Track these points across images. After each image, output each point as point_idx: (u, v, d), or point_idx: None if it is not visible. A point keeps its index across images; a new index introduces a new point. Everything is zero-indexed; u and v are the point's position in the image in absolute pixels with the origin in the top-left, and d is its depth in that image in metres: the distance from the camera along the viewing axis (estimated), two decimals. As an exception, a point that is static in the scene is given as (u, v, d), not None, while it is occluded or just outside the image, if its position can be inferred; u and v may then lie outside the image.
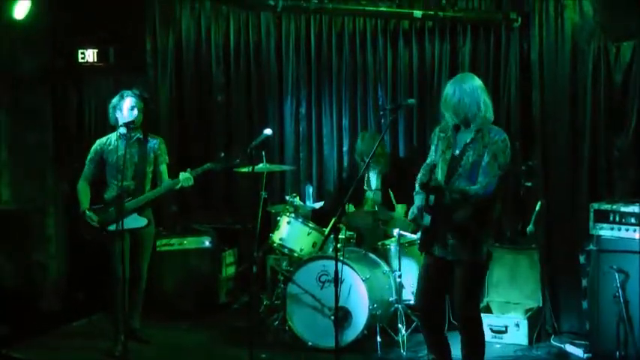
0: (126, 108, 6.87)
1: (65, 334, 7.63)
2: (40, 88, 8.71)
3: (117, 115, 6.91)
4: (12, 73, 8.54)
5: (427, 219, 5.49)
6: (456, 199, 5.36)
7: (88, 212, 6.88)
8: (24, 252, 8.54)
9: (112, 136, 6.99)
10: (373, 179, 7.87)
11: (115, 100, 6.95)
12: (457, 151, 5.52)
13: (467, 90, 5.48)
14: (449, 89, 5.54)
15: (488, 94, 5.57)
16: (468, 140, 5.49)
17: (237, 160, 7.05)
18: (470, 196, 5.35)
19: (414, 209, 5.62)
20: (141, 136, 6.98)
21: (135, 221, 6.85)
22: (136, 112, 6.89)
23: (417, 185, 5.70)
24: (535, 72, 7.35)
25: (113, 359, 6.71)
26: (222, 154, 7.05)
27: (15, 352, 6.88)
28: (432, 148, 5.75)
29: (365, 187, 7.86)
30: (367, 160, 6.12)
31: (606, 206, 6.64)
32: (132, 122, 6.79)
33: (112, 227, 6.68)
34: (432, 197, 5.46)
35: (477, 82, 5.57)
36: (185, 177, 6.85)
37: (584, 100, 7.14)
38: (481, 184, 5.36)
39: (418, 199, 5.65)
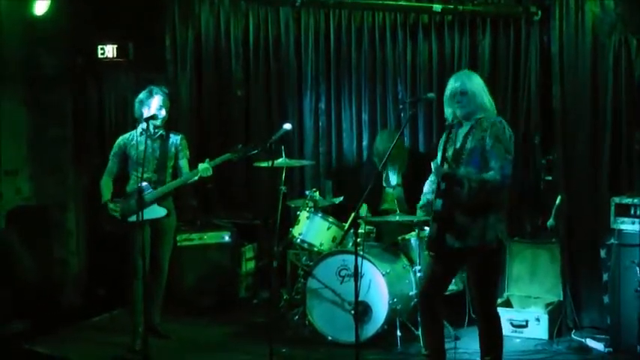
0: (154, 107, 6.89)
1: (86, 328, 7.68)
2: (60, 84, 8.77)
3: (143, 111, 6.93)
4: (32, 70, 8.60)
5: (438, 203, 5.51)
6: (474, 188, 5.36)
7: (110, 204, 6.91)
8: (44, 247, 8.57)
9: (135, 132, 7.01)
10: (393, 176, 7.85)
11: (143, 96, 6.96)
12: (458, 145, 5.57)
13: (475, 84, 5.60)
14: (455, 83, 5.62)
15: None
16: (466, 131, 5.55)
17: (256, 150, 7.05)
18: (487, 183, 5.37)
19: (423, 201, 5.82)
20: (163, 132, 7.02)
21: (155, 211, 6.87)
22: (164, 112, 6.92)
23: (426, 187, 5.90)
24: (555, 65, 7.29)
25: (133, 354, 6.72)
26: (240, 145, 7.06)
27: (36, 347, 6.93)
28: (439, 152, 5.78)
29: (384, 184, 7.84)
30: (384, 159, 6.10)
31: (627, 200, 6.61)
32: (153, 117, 6.81)
33: (133, 218, 6.69)
34: (442, 184, 5.49)
35: (481, 80, 5.69)
36: (204, 167, 6.86)
37: (605, 94, 7.08)
38: (494, 168, 5.39)
39: (428, 198, 5.83)
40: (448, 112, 5.66)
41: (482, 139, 5.46)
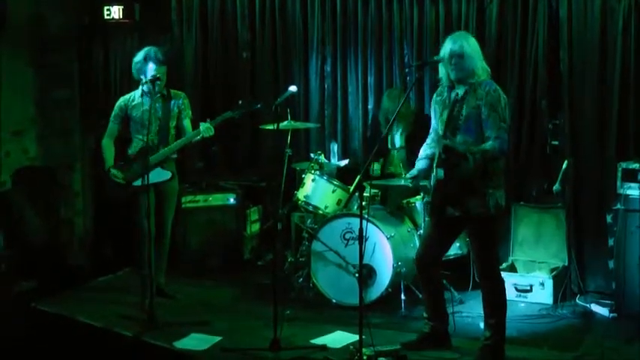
0: (149, 74, 6.84)
1: (91, 288, 7.71)
2: (66, 45, 8.77)
3: (140, 77, 6.90)
4: (39, 31, 8.58)
5: (440, 172, 5.51)
6: (478, 159, 5.37)
7: (112, 170, 6.91)
8: (51, 208, 8.63)
9: (136, 93, 7.01)
10: (397, 138, 7.82)
11: (138, 61, 6.90)
12: (453, 110, 5.59)
13: (472, 47, 5.57)
14: (454, 45, 5.57)
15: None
16: (461, 95, 5.55)
17: (257, 106, 7.04)
18: (487, 152, 5.39)
19: (413, 172, 5.83)
20: (165, 92, 6.98)
21: (159, 175, 6.87)
22: (159, 82, 6.88)
23: (422, 152, 5.88)
24: (563, 30, 7.23)
25: (139, 313, 6.75)
26: (241, 102, 7.04)
27: (43, 306, 6.97)
28: (433, 114, 5.83)
29: (389, 147, 7.82)
30: (391, 121, 6.09)
31: (634, 165, 6.60)
32: (157, 79, 6.78)
33: (138, 183, 6.70)
34: (442, 154, 5.48)
35: (476, 42, 5.66)
36: (206, 127, 6.82)
37: (614, 59, 7.05)
38: (491, 137, 5.41)
39: (421, 164, 5.82)
40: (442, 72, 5.66)
41: (478, 107, 5.47)
